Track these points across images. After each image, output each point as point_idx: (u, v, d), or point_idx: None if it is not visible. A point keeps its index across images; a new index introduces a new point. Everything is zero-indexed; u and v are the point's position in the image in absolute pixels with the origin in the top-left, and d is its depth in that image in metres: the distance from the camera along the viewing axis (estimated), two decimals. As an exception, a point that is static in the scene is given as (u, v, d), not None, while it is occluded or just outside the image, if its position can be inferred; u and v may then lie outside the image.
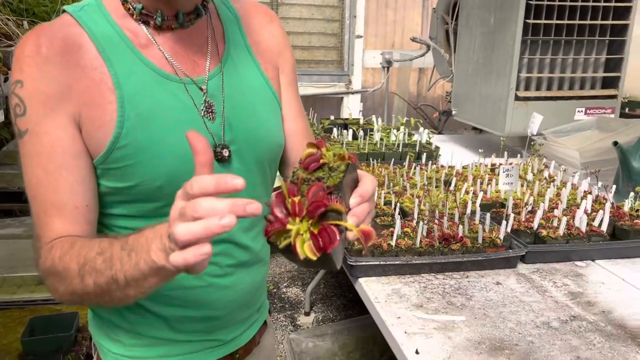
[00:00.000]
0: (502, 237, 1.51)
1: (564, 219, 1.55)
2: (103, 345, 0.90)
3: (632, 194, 1.73)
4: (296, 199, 0.59)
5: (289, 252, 0.58)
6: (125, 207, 0.81)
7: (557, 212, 1.65)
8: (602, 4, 2.49)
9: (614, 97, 2.64)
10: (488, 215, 1.58)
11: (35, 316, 2.14)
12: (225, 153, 0.83)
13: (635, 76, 2.71)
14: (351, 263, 1.41)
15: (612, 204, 1.70)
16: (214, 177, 0.54)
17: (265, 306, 1.03)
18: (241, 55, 0.91)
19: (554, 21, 2.46)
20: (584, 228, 1.56)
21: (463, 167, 2.25)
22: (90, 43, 0.77)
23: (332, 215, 0.59)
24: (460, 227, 1.52)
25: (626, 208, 1.69)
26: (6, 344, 2.01)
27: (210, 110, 0.83)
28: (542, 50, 2.55)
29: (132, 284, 0.64)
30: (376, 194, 1.37)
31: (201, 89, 0.83)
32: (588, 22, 2.50)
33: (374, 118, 3.04)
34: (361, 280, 1.42)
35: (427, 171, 2.13)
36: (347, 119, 3.28)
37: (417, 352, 1.10)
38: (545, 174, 2.09)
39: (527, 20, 2.41)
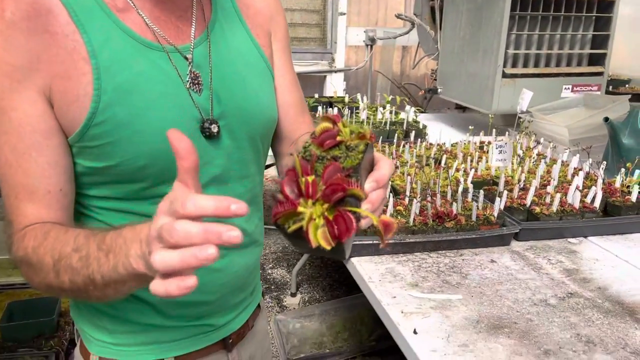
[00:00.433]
0: (496, 215, 1.49)
1: (558, 196, 1.53)
2: (86, 332, 0.84)
3: (622, 170, 1.72)
4: (310, 179, 0.53)
5: (297, 237, 0.52)
6: (105, 189, 0.75)
7: (549, 189, 1.64)
8: (590, -21, 2.46)
9: (600, 74, 2.63)
10: (481, 192, 1.55)
11: (13, 301, 2.06)
12: (214, 129, 0.76)
13: (618, 55, 2.71)
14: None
15: (604, 180, 1.69)
16: (214, 200, 0.47)
17: (259, 289, 0.98)
18: (230, 19, 0.84)
19: (543, -4, 2.42)
20: (577, 204, 1.54)
21: (452, 145, 2.22)
22: (61, 7, 0.68)
23: (350, 201, 0.52)
24: (454, 204, 1.49)
25: (617, 184, 1.68)
26: (-18, 330, 1.92)
27: (196, 81, 0.76)
28: (529, 26, 2.51)
29: (110, 285, 0.60)
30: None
31: (186, 58, 0.76)
32: (576, -3, 2.47)
33: (359, 96, 2.98)
34: (354, 259, 1.38)
35: (416, 149, 2.09)
36: (331, 97, 3.21)
37: (415, 332, 1.07)
38: (536, 151, 2.08)
39: (516, -5, 2.37)
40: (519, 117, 2.29)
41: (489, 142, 2.23)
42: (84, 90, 0.68)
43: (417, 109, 2.78)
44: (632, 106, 2.16)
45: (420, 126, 2.55)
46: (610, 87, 3.14)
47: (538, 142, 2.06)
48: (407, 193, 1.59)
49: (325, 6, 4.46)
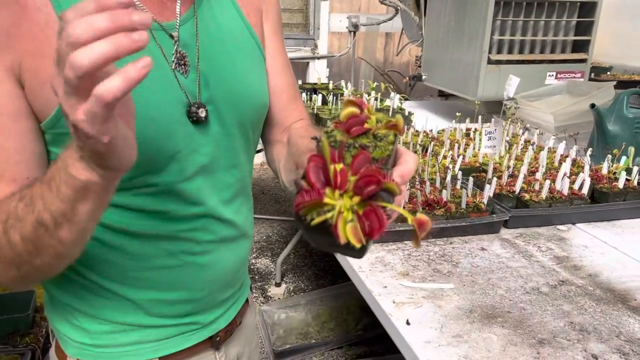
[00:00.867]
0: (485, 202, 1.47)
1: (547, 182, 1.51)
2: (62, 333, 0.78)
3: (609, 156, 1.72)
4: (338, 167, 0.47)
5: (319, 231, 0.46)
6: None
7: (538, 176, 1.62)
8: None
9: (583, 61, 2.63)
10: (471, 179, 1.53)
11: (-15, 296, 1.98)
12: (202, 113, 0.70)
13: (599, 42, 2.71)
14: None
15: (590, 166, 1.68)
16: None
17: (247, 283, 0.94)
18: None
19: (528, -19, 2.40)
20: (566, 191, 1.53)
21: (438, 132, 2.20)
22: None
23: (382, 196, 0.47)
24: (444, 192, 1.46)
25: (604, 171, 1.68)
26: (-47, 327, 1.84)
27: (182, 62, 0.70)
28: (514, 12, 2.49)
29: (61, 222, 0.54)
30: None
31: (171, 37, 0.70)
32: (561, -18, 2.46)
33: (343, 83, 2.94)
34: (343, 249, 1.35)
35: (403, 136, 2.05)
36: (315, 83, 3.16)
37: (408, 323, 1.05)
38: (522, 138, 2.06)
39: (502, -20, 2.34)
40: (505, 104, 2.28)
41: (476, 129, 2.21)
42: None
43: (402, 96, 2.75)
44: (616, 93, 2.16)
45: (406, 113, 2.52)
46: (593, 74, 3.16)
47: (527, 129, 2.05)
48: (396, 181, 1.56)
49: (308, -9, 4.39)
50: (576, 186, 1.58)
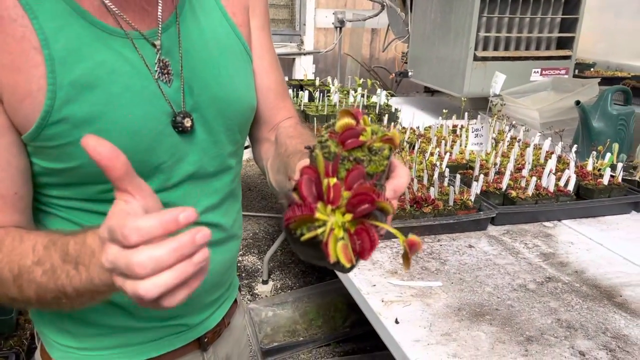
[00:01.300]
0: (473, 199, 1.47)
1: (533, 180, 1.52)
2: (47, 336, 0.77)
3: (593, 153, 1.73)
4: (332, 181, 0.46)
5: (309, 246, 0.45)
6: (66, 190, 0.67)
7: (524, 173, 1.63)
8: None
9: (568, 57, 2.66)
10: (458, 176, 1.53)
11: (-36, 299, 1.93)
12: (188, 123, 0.69)
13: (582, 39, 2.74)
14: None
15: (576, 162, 1.70)
16: (157, 218, 0.43)
17: (236, 283, 0.93)
18: None
19: (514, -22, 2.41)
20: (552, 188, 1.54)
21: (425, 129, 2.20)
22: None
23: (376, 214, 0.46)
24: (431, 189, 1.46)
25: (589, 167, 1.69)
26: None
27: (165, 71, 0.68)
28: (500, 9, 2.50)
29: (85, 294, 0.55)
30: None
31: (153, 45, 0.67)
32: (546, -20, 2.47)
33: (329, 79, 2.92)
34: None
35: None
36: (302, 80, 3.14)
37: (396, 322, 1.04)
38: (509, 135, 2.08)
39: (488, -23, 2.34)
40: (491, 101, 2.28)
41: (462, 126, 2.21)
42: (36, 85, 0.60)
43: (389, 92, 2.74)
44: (601, 90, 2.18)
45: (393, 110, 2.52)
46: (577, 71, 3.19)
47: (513, 126, 2.06)
48: (384, 178, 1.55)
49: (293, -14, 4.36)
50: (562, 183, 1.59)
